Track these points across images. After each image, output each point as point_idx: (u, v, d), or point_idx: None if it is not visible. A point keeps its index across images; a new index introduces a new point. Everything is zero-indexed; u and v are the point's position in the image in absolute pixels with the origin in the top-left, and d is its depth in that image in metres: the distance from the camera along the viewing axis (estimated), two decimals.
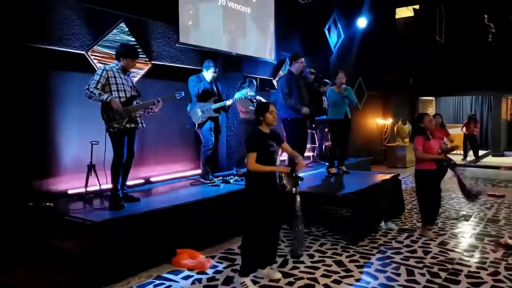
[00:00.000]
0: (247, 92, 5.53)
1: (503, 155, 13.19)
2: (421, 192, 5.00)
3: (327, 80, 7.16)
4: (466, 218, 5.74)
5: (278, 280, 3.64)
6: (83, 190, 4.61)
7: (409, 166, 11.29)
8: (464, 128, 12.53)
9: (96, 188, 4.64)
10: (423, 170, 4.87)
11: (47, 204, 4.23)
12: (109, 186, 4.58)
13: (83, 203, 4.42)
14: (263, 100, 6.15)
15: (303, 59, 5.52)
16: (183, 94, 4.62)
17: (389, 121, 12.38)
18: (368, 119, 11.78)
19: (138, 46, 5.22)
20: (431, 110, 15.66)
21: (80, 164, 4.66)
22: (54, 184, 4.68)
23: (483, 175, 10.04)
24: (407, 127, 11.81)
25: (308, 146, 7.37)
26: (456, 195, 7.42)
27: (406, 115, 13.11)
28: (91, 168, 4.59)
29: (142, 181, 5.53)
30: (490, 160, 12.70)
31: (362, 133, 11.33)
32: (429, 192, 4.92)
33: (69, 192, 4.74)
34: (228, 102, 5.44)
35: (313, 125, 7.56)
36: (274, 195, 3.53)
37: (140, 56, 5.26)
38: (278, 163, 3.69)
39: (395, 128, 11.92)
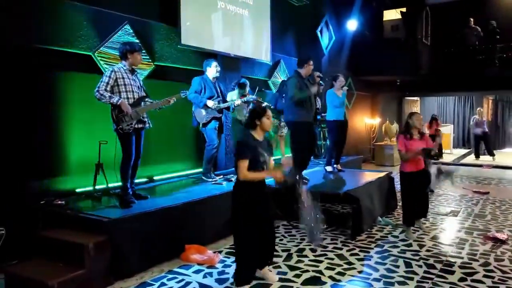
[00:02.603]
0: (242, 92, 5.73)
1: (484, 154, 13.66)
2: (403, 193, 4.99)
3: (322, 82, 7.38)
4: (455, 213, 6.05)
5: (270, 284, 3.58)
6: (91, 188, 4.76)
7: (397, 165, 11.63)
8: (427, 129, 12.83)
9: (104, 186, 4.79)
10: (406, 173, 4.89)
11: (59, 202, 4.35)
12: (116, 184, 4.73)
13: (93, 201, 4.55)
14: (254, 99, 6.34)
15: (312, 62, 5.51)
16: (187, 92, 4.77)
17: (377, 120, 12.73)
18: (356, 119, 12.09)
19: (142, 48, 5.35)
20: (416, 110, 16.08)
21: (88, 163, 4.79)
22: (62, 183, 4.79)
23: (466, 173, 10.44)
24: (395, 126, 12.17)
25: None
26: (443, 192, 7.78)
27: (393, 114, 13.48)
28: (99, 167, 4.73)
29: (145, 179, 5.67)
30: (473, 158, 13.16)
31: (351, 132, 11.52)
32: (411, 194, 4.92)
33: (77, 190, 4.85)
34: (237, 102, 5.65)
35: None
36: (264, 201, 3.44)
37: (143, 57, 5.40)
38: None
39: (383, 128, 12.26)
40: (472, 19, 12.07)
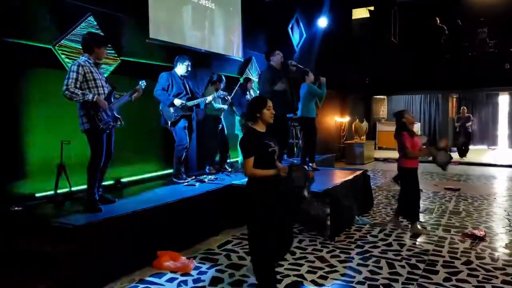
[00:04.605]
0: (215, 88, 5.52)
1: (450, 151, 13.94)
2: (410, 190, 4.90)
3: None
4: (431, 211, 6.03)
5: None
6: (52, 192, 4.38)
7: (367, 163, 11.70)
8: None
9: (67, 190, 4.42)
10: (410, 168, 4.83)
11: (16, 208, 3.96)
12: (80, 187, 4.39)
13: (55, 207, 4.20)
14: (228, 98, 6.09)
15: (279, 51, 5.54)
16: (145, 82, 4.41)
17: (346, 119, 12.74)
18: (326, 117, 12.05)
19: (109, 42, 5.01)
20: (383, 109, 16.29)
21: (49, 164, 4.41)
22: (20, 187, 4.38)
23: (435, 170, 10.55)
24: (364, 124, 12.22)
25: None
26: None
27: (361, 113, 13.54)
28: (61, 169, 4.36)
29: (112, 182, 5.31)
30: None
31: (321, 131, 11.50)
32: (415, 189, 4.92)
33: (37, 195, 4.46)
34: (209, 98, 5.40)
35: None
36: (280, 200, 3.12)
37: (109, 51, 5.07)
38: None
39: (353, 126, 12.28)
40: (437, 18, 12.29)
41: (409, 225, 5.01)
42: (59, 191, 4.37)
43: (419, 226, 4.99)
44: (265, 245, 3.05)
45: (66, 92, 3.73)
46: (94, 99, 3.80)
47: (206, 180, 5.47)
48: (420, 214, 5.17)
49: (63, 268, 3.25)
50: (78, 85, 3.79)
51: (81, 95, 3.76)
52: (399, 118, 4.88)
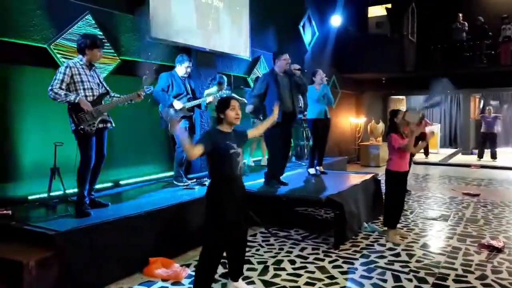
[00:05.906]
0: (219, 89, 5.31)
1: (471, 154, 13.41)
2: (391, 193, 4.72)
3: (301, 76, 6.92)
4: (445, 218, 5.68)
5: None
6: (46, 195, 4.26)
7: (383, 165, 11.29)
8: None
9: (61, 193, 4.29)
10: (395, 172, 4.64)
11: (4, 211, 3.84)
12: (75, 190, 4.26)
13: (46, 210, 4.08)
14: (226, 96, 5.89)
15: (286, 56, 5.12)
16: (152, 88, 4.32)
17: (362, 120, 12.38)
18: (341, 118, 11.75)
19: (106, 40, 4.88)
20: (402, 109, 15.80)
21: (42, 167, 4.29)
22: (12, 190, 4.28)
23: (454, 173, 10.13)
24: (380, 126, 11.84)
25: None
26: (432, 194, 7.43)
27: (378, 114, 13.15)
28: (54, 171, 4.24)
29: (110, 184, 5.19)
30: (460, 158, 12.90)
31: (335, 132, 11.22)
32: (398, 194, 4.71)
33: (30, 198, 4.35)
34: (209, 99, 5.20)
35: None
36: (236, 205, 3.07)
37: (108, 51, 4.95)
38: (240, 167, 3.13)
39: (368, 127, 11.93)
40: (461, 15, 11.82)
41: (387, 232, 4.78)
42: (52, 194, 4.26)
43: (397, 236, 4.73)
44: (210, 243, 3.07)
45: (50, 92, 3.69)
46: (76, 100, 3.70)
47: (206, 183, 5.26)
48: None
49: (39, 277, 3.08)
50: (63, 86, 3.73)
51: (64, 96, 3.69)
52: (391, 118, 4.67)
